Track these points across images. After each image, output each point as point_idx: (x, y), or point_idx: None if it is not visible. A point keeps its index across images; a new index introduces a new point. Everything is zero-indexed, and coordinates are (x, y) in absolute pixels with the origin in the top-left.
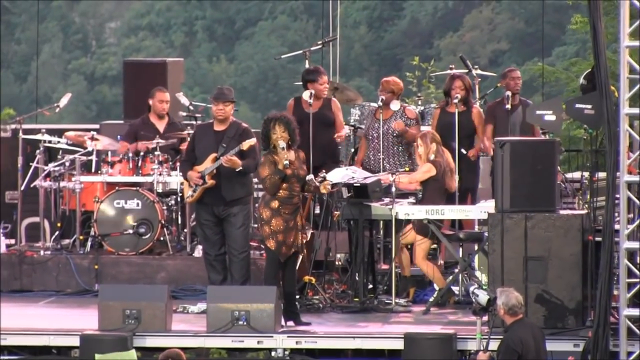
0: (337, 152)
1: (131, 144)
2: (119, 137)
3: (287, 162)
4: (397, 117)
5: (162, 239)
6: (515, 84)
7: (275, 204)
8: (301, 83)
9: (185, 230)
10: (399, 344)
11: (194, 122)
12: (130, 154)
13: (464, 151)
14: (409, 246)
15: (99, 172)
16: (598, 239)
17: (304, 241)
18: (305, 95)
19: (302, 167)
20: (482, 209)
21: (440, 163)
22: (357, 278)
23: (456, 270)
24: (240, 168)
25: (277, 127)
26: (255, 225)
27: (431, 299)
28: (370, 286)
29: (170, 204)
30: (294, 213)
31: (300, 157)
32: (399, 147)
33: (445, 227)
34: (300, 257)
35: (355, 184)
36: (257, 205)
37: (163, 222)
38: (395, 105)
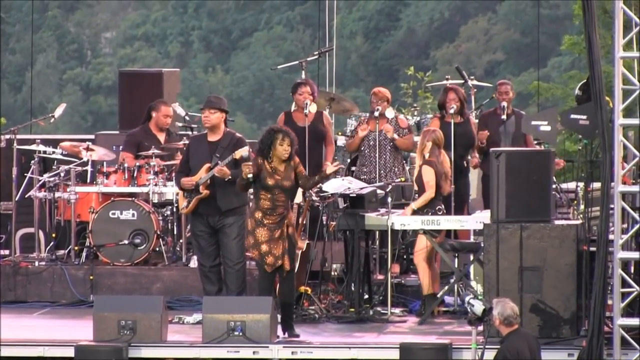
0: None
1: (135, 156)
2: (114, 147)
3: (250, 175)
4: (392, 125)
5: (157, 249)
6: (499, 97)
7: (258, 214)
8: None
9: (181, 240)
10: (394, 354)
11: (190, 133)
12: (126, 165)
13: (465, 164)
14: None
15: (94, 182)
16: (593, 249)
17: (299, 252)
18: (294, 107)
19: (290, 177)
20: (477, 219)
21: (435, 163)
22: (352, 288)
23: (452, 280)
24: (230, 177)
25: (284, 141)
26: None
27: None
28: (366, 296)
29: (165, 215)
30: (279, 223)
31: (293, 164)
32: (394, 158)
33: (441, 237)
34: (296, 266)
35: (351, 195)
36: None
37: (159, 232)
38: (390, 112)
